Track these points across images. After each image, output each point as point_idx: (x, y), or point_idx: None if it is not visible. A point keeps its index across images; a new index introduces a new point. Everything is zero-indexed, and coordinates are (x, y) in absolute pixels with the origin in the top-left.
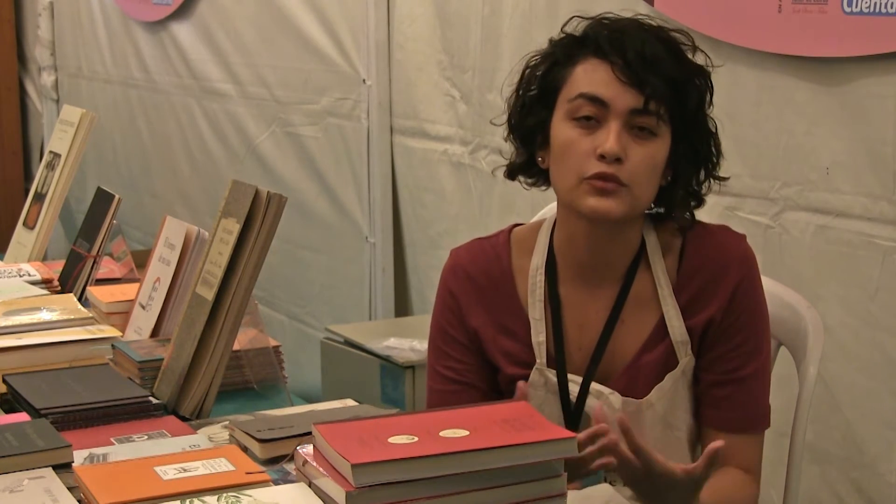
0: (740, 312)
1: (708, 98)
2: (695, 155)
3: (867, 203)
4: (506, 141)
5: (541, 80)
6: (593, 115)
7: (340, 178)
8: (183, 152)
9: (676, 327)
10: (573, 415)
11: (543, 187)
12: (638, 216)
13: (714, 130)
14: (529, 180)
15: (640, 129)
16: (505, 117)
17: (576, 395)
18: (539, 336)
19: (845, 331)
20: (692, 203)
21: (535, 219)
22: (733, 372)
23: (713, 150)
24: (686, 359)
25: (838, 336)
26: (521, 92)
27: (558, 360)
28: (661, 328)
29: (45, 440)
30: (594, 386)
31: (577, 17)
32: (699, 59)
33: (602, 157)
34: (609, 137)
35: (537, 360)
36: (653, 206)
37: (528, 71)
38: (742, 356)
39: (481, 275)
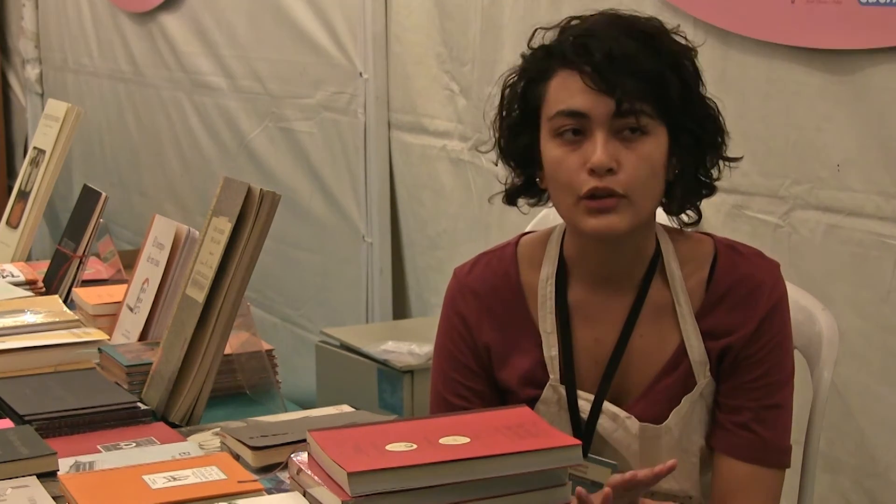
0: (765, 344)
1: (696, 80)
2: (696, 142)
3: (879, 202)
4: (496, 165)
5: (520, 100)
6: (577, 128)
7: (336, 176)
8: (172, 148)
9: (696, 347)
10: (584, 434)
11: (549, 205)
12: (649, 223)
13: (714, 111)
14: (531, 201)
15: (630, 130)
16: (492, 142)
17: (587, 412)
18: (552, 350)
19: (857, 334)
20: (703, 192)
21: (536, 218)
22: (754, 401)
23: (715, 131)
24: (704, 381)
25: (849, 340)
26: (504, 114)
27: (567, 376)
28: (681, 351)
29: (29, 448)
30: (610, 407)
31: (541, 28)
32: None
33: (592, 172)
34: (596, 149)
35: (550, 376)
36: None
37: (507, 91)
38: (763, 388)
39: (490, 294)
